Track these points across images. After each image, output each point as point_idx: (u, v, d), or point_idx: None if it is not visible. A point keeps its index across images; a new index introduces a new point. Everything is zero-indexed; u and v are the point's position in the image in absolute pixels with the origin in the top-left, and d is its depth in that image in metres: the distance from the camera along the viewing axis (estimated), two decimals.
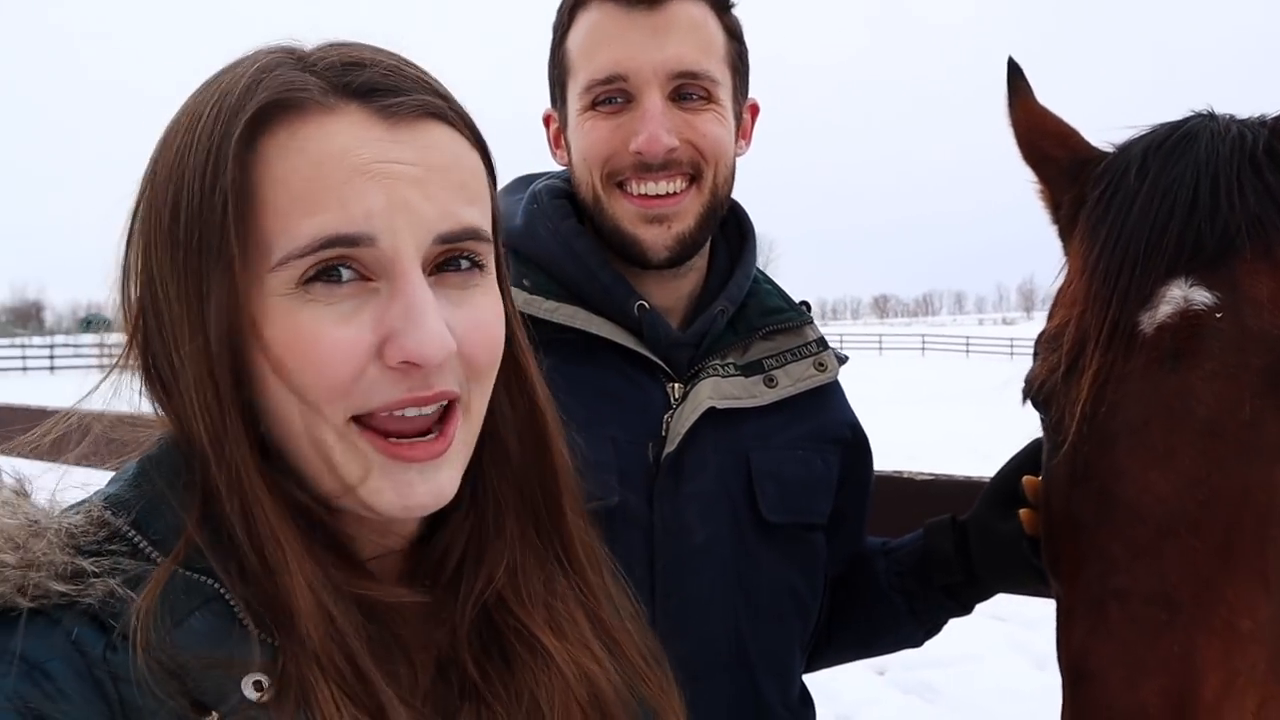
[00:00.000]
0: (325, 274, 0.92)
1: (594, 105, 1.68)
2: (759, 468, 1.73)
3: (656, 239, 1.67)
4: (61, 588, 0.85)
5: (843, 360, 1.88)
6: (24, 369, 49.09)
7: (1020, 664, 6.38)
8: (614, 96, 1.66)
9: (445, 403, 0.99)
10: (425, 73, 1.02)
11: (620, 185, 1.68)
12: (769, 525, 1.73)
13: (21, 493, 0.94)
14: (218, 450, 0.92)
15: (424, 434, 0.98)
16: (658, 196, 1.66)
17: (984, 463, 2.03)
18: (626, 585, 1.27)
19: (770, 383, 1.78)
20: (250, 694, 0.86)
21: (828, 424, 1.86)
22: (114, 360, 1.01)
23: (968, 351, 66.92)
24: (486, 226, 1.02)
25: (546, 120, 1.87)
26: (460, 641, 1.06)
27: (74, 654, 0.83)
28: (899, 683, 6.25)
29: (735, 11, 1.75)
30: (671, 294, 1.78)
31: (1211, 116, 1.44)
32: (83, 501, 0.94)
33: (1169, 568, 1.20)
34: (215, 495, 0.92)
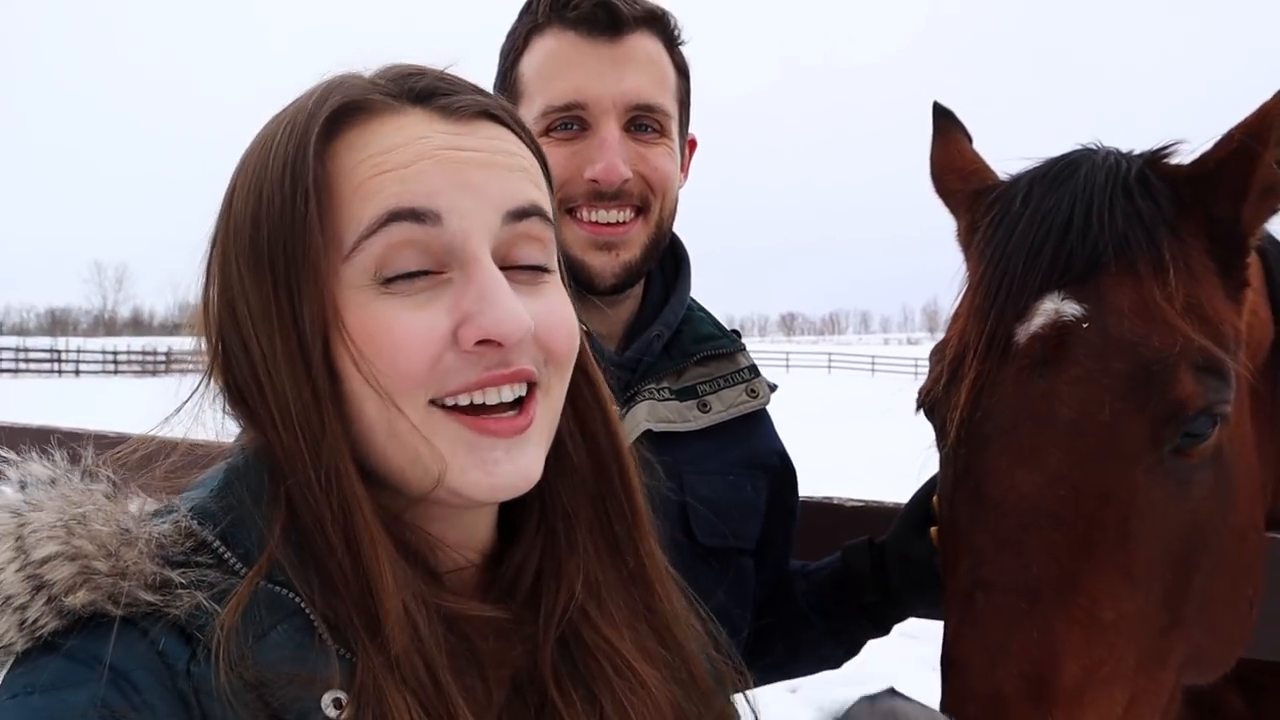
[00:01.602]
0: (402, 276, 0.94)
1: (548, 130, 1.70)
2: (693, 491, 1.75)
3: (605, 266, 1.71)
4: (150, 597, 0.86)
5: (773, 388, 1.92)
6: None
7: (933, 681, 6.49)
8: (570, 123, 1.69)
9: (525, 388, 0.99)
10: (477, 84, 1.07)
11: (571, 211, 1.70)
12: (702, 548, 1.74)
13: (113, 496, 0.94)
14: (314, 451, 0.92)
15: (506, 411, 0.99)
16: (608, 224, 1.70)
17: (897, 482, 2.10)
18: (699, 608, 1.26)
19: (704, 407, 1.81)
20: (330, 711, 0.87)
21: (758, 450, 1.88)
22: (194, 389, 1.03)
23: (873, 370, 68.09)
24: (548, 208, 1.04)
25: None
26: (542, 660, 1.04)
27: (160, 665, 0.84)
28: (811, 700, 6.26)
29: (683, 49, 1.80)
30: (609, 319, 1.80)
31: (1095, 149, 1.54)
32: (169, 508, 0.95)
33: (1031, 559, 1.26)
34: (301, 507, 0.93)
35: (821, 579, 1.92)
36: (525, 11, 1.76)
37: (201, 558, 0.91)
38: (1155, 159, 1.49)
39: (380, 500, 0.96)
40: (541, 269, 1.03)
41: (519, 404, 0.99)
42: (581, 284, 1.71)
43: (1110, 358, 1.31)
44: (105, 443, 1.03)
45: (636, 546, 1.16)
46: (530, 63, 1.73)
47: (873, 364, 69.65)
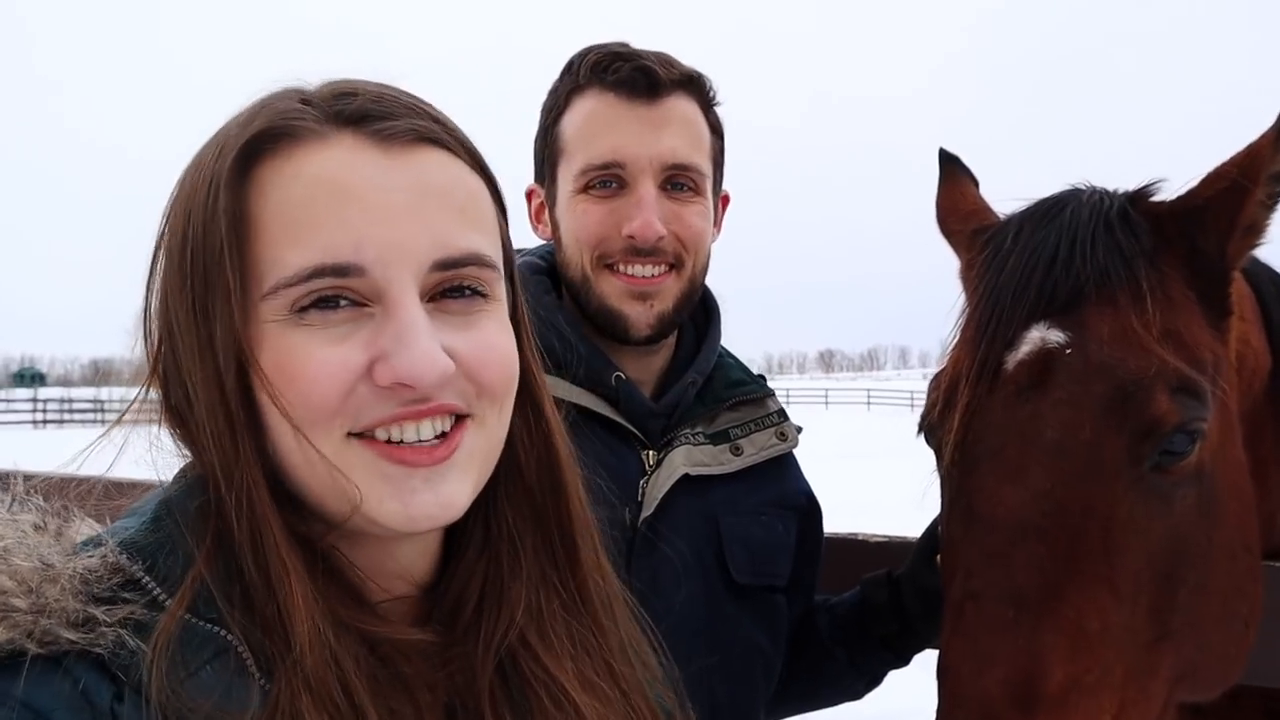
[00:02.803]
0: (320, 302, 0.92)
1: (587, 188, 1.78)
2: (728, 532, 1.82)
3: (640, 316, 1.78)
4: (72, 635, 0.82)
5: (799, 430, 1.99)
6: None
7: None
8: (609, 181, 1.76)
9: (449, 421, 0.97)
10: (421, 101, 1.02)
11: (609, 266, 1.78)
12: (739, 587, 1.80)
13: (41, 527, 0.92)
14: (228, 475, 0.91)
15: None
16: (644, 277, 1.78)
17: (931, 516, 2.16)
18: (647, 628, 1.26)
19: (736, 451, 1.87)
20: None
21: (788, 491, 1.95)
22: (135, 396, 1.02)
23: (912, 405, 67.46)
24: (491, 252, 1.00)
25: (529, 195, 1.97)
26: (480, 686, 1.03)
27: (82, 704, 0.81)
28: (862, 715, 6.27)
29: (718, 110, 1.89)
30: (645, 367, 1.88)
31: (1082, 189, 1.63)
32: (97, 540, 0.92)
33: (1017, 571, 1.33)
34: (227, 522, 0.92)
35: (843, 612, 1.98)
36: (567, 72, 1.84)
37: (128, 594, 0.87)
38: (1138, 196, 1.58)
39: (303, 525, 0.95)
40: (480, 294, 1.00)
41: (442, 436, 0.96)
42: (617, 334, 1.80)
43: (1091, 381, 1.39)
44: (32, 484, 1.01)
45: (577, 574, 1.14)
46: (571, 121, 1.81)
47: (911, 399, 68.99)
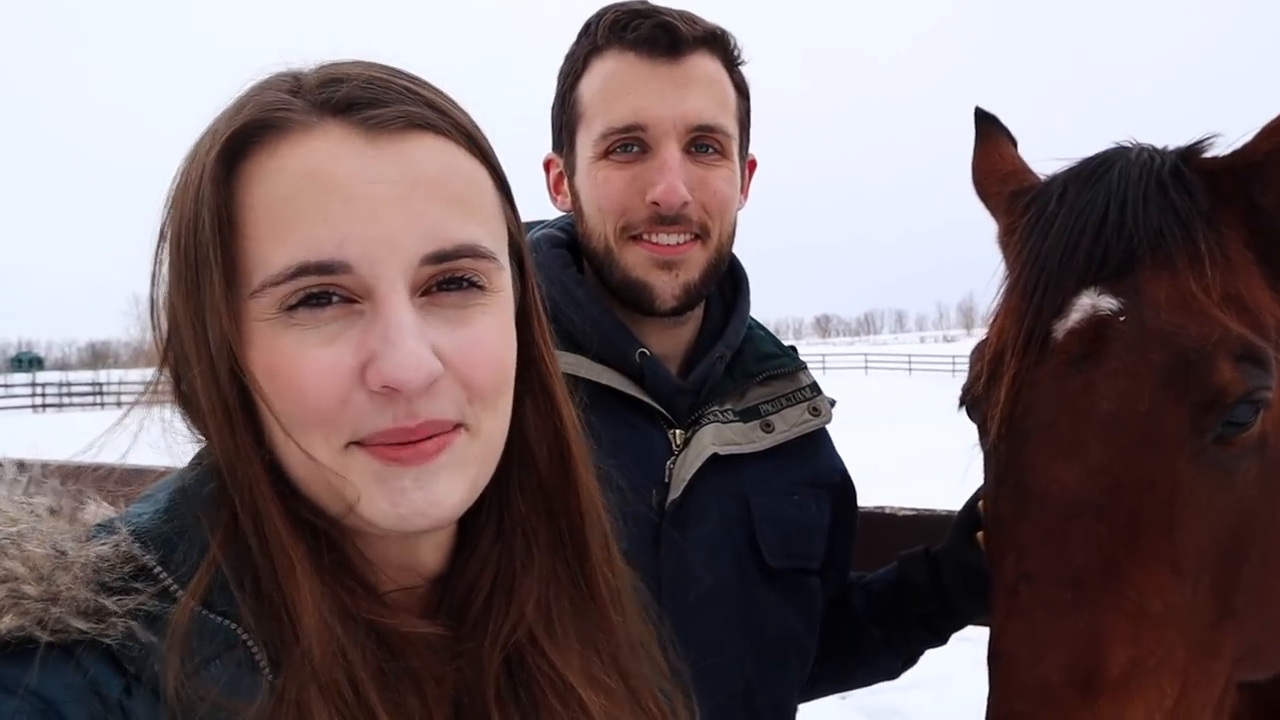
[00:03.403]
0: (309, 299, 0.90)
1: (608, 153, 1.69)
2: (760, 513, 1.75)
3: (665, 286, 1.69)
4: (82, 625, 0.82)
5: (832, 404, 1.91)
6: None
7: (985, 685, 6.44)
8: (630, 144, 1.68)
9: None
10: (417, 83, 0.99)
11: (634, 238, 1.70)
12: (771, 570, 1.74)
13: (56, 510, 0.92)
14: (230, 468, 0.92)
15: None
16: (669, 245, 1.69)
17: (937, 481, 2.11)
18: (658, 630, 1.25)
19: (767, 428, 1.80)
20: None
21: (821, 469, 1.88)
22: (150, 380, 1.00)
23: (910, 369, 67.57)
24: (489, 242, 0.97)
25: (547, 165, 1.88)
26: (486, 681, 1.01)
27: (89, 695, 0.80)
28: (863, 706, 6.12)
29: (743, 69, 1.80)
30: (671, 341, 1.80)
31: (1129, 147, 1.55)
32: (112, 525, 0.92)
33: (1074, 551, 1.27)
34: (237, 511, 0.92)
35: (878, 590, 1.93)
36: (584, 34, 1.76)
37: (140, 584, 0.87)
38: (1190, 153, 1.50)
39: (309, 514, 0.94)
40: (476, 286, 0.97)
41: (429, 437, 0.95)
42: (642, 305, 1.71)
43: (1148, 349, 1.32)
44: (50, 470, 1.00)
45: (591, 567, 1.12)
46: (589, 85, 1.73)
47: (909, 363, 69.13)
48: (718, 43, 1.73)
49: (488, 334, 0.97)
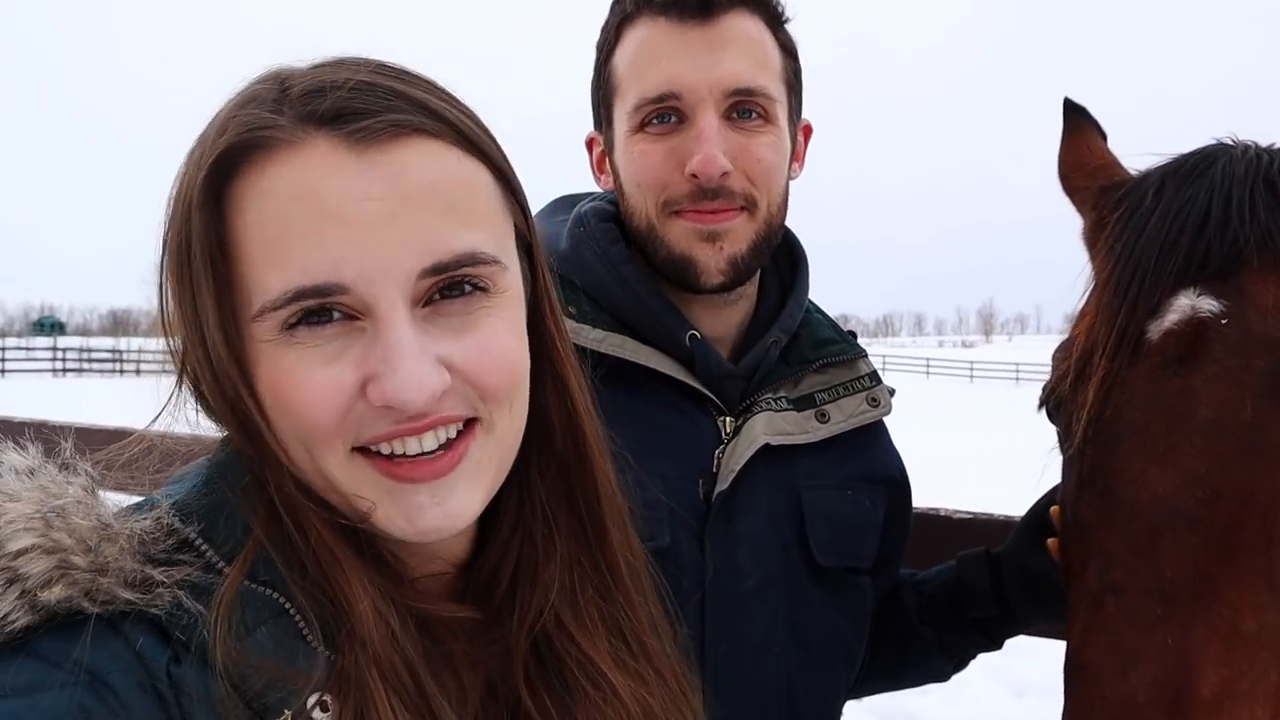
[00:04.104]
0: (309, 317, 0.90)
1: (643, 126, 1.61)
2: (811, 507, 1.67)
3: (710, 260, 1.60)
4: (129, 595, 0.83)
5: (892, 393, 1.83)
6: None
7: (999, 692, 6.39)
8: (666, 115, 1.59)
9: (455, 428, 0.95)
10: (408, 82, 0.96)
11: (676, 214, 1.61)
12: (820, 568, 1.66)
13: (91, 490, 0.92)
14: (260, 472, 0.92)
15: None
16: (711, 213, 1.60)
17: (952, 486, 2.05)
18: (670, 609, 1.24)
19: (822, 418, 1.71)
20: (316, 712, 0.85)
21: (876, 463, 1.80)
22: (175, 378, 1.00)
23: (928, 373, 67.42)
24: (489, 246, 0.95)
25: (589, 144, 1.81)
26: (515, 665, 1.03)
27: (137, 666, 0.81)
28: (878, 709, 6.20)
29: (790, 28, 1.69)
30: (722, 323, 1.71)
31: (1231, 144, 1.47)
32: (148, 503, 0.93)
33: (1165, 563, 1.21)
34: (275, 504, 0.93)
35: (933, 591, 1.85)
36: (615, 2, 1.68)
37: (184, 556, 0.88)
38: None
39: (339, 515, 0.95)
40: (480, 289, 0.95)
41: (448, 443, 0.95)
42: (688, 282, 1.63)
43: (1252, 355, 1.26)
44: (88, 437, 1.01)
45: (612, 552, 1.13)
46: (622, 56, 1.64)
47: (928, 367, 68.89)
48: (756, 1, 1.63)
49: (496, 338, 0.96)
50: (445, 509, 0.94)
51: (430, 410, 0.91)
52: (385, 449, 0.93)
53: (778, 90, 1.64)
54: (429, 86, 0.97)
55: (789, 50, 1.69)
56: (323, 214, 0.88)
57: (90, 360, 57.52)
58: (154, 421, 1.01)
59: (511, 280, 0.99)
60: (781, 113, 1.65)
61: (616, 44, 1.66)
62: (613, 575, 1.13)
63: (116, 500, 0.93)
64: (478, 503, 0.98)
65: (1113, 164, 1.67)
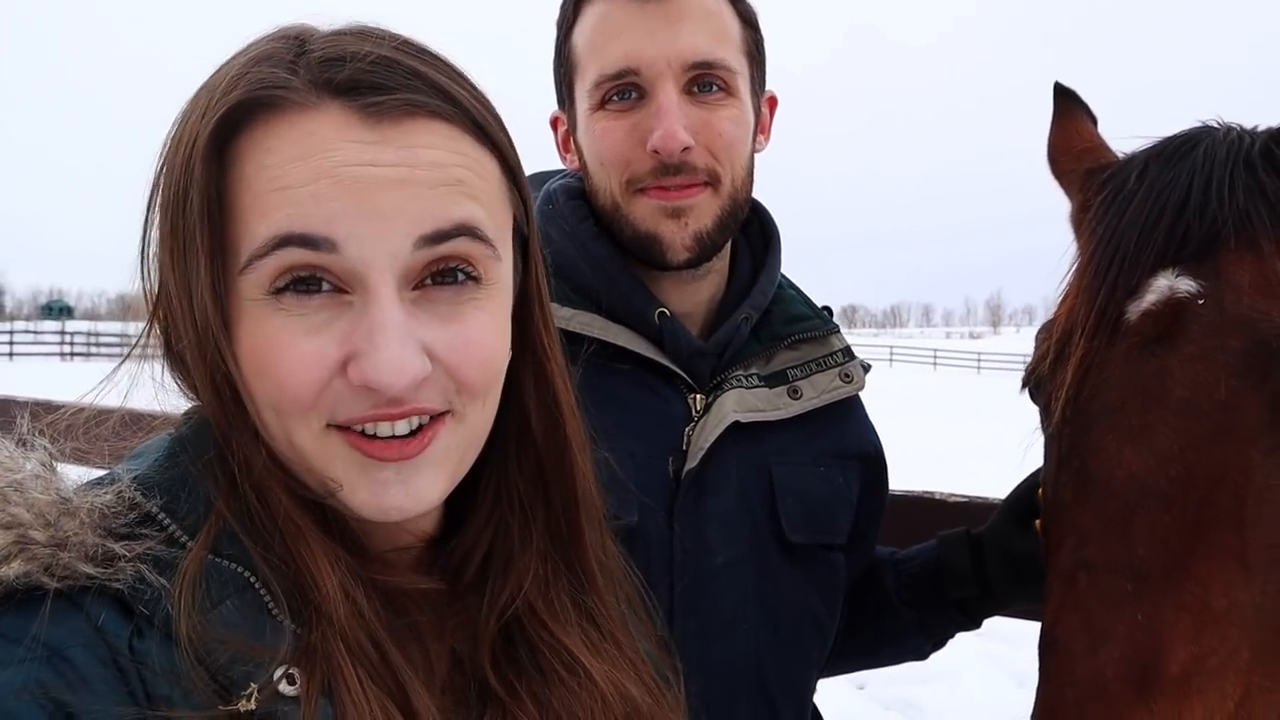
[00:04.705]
0: (297, 284, 0.88)
1: (604, 103, 1.60)
2: (782, 484, 1.67)
3: (675, 235, 1.59)
4: (90, 570, 0.82)
5: (866, 369, 1.83)
6: None
7: (1000, 680, 6.42)
8: (626, 91, 1.58)
9: (426, 417, 0.95)
10: (428, 63, 0.95)
11: (641, 192, 1.61)
12: (791, 545, 1.67)
13: (49, 465, 0.91)
14: (226, 440, 0.91)
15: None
16: (674, 189, 1.59)
17: (957, 476, 2.05)
18: (646, 602, 1.24)
19: (794, 394, 1.71)
20: (283, 686, 0.84)
21: (850, 439, 1.80)
22: (136, 341, 1.00)
23: (935, 364, 67.23)
24: (488, 228, 0.95)
25: (554, 123, 1.80)
26: (481, 648, 1.03)
27: (98, 640, 0.80)
28: (879, 698, 6.19)
29: None
30: (691, 299, 1.71)
31: (1215, 127, 1.48)
32: (110, 477, 0.92)
33: (1138, 540, 1.22)
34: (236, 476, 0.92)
35: (913, 571, 1.86)
36: None
37: (146, 530, 0.87)
38: None
39: (304, 488, 0.94)
40: (472, 279, 0.95)
41: (418, 429, 0.94)
42: (653, 259, 1.63)
43: (1227, 335, 1.26)
44: (42, 411, 1.00)
45: (586, 552, 1.13)
46: (581, 33, 1.63)
47: (935, 357, 68.73)
48: None
49: (481, 332, 0.96)
50: (409, 489, 0.94)
51: (407, 399, 0.91)
52: (357, 427, 0.92)
53: (738, 62, 1.63)
54: (449, 70, 0.97)
55: (749, 21, 1.68)
56: (322, 171, 0.87)
57: (98, 344, 57.67)
58: (116, 372, 1.00)
59: (503, 273, 0.99)
60: (743, 85, 1.64)
61: (575, 21, 1.65)
62: (585, 574, 1.13)
63: (77, 475, 0.93)
64: (440, 487, 0.97)
65: (1100, 147, 1.67)
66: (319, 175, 0.87)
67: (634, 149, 1.58)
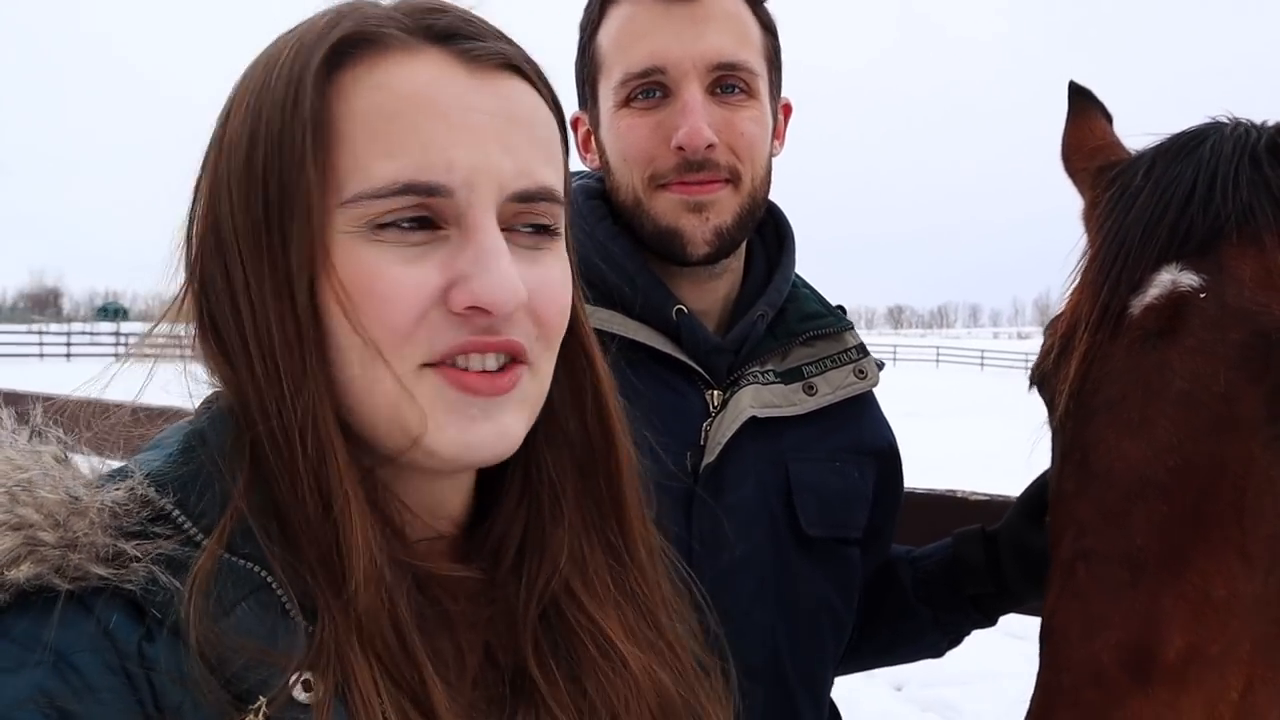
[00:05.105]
0: (402, 220, 0.89)
1: (629, 101, 1.64)
2: (798, 479, 1.70)
3: (696, 230, 1.63)
4: (101, 571, 0.79)
5: (880, 366, 1.85)
6: (41, 356, 49.42)
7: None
8: (651, 90, 1.63)
9: (507, 359, 0.94)
10: (500, 29, 0.99)
11: (662, 187, 1.64)
12: (807, 539, 1.69)
13: (62, 460, 0.89)
14: (294, 391, 0.87)
15: None
16: (697, 184, 1.63)
17: (1004, 478, 2.05)
18: (687, 585, 1.24)
19: (809, 390, 1.74)
20: (298, 692, 0.82)
21: (865, 435, 1.82)
22: (161, 315, 1.00)
23: (983, 365, 66.10)
24: (560, 188, 0.98)
25: (574, 124, 1.83)
26: (522, 634, 1.01)
27: (105, 645, 0.78)
28: (917, 699, 6.14)
29: (768, 6, 1.73)
30: (708, 296, 1.74)
31: (1224, 123, 1.49)
32: (123, 472, 0.89)
33: (1136, 530, 1.23)
34: (271, 457, 0.88)
35: (929, 567, 1.88)
36: None
37: (159, 528, 0.84)
38: None
39: (361, 453, 0.93)
40: (546, 230, 0.98)
41: (504, 368, 0.94)
42: (674, 254, 1.66)
43: (1227, 328, 1.28)
44: (53, 405, 0.98)
45: (624, 524, 1.12)
46: (607, 33, 1.68)
47: (982, 358, 67.82)
48: None
49: (556, 275, 0.98)
50: (496, 425, 0.93)
51: (501, 328, 0.91)
52: (450, 361, 0.92)
53: (759, 65, 1.67)
54: (517, 43, 1.01)
55: (769, 27, 1.72)
56: (437, 114, 0.89)
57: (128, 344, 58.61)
58: (150, 335, 1.00)
59: (564, 230, 1.02)
60: (763, 88, 1.68)
61: (600, 22, 1.69)
62: (628, 550, 1.12)
63: (93, 465, 0.91)
64: (520, 429, 0.97)
65: (1112, 145, 1.68)
66: (434, 120, 0.89)
67: (658, 145, 1.62)
